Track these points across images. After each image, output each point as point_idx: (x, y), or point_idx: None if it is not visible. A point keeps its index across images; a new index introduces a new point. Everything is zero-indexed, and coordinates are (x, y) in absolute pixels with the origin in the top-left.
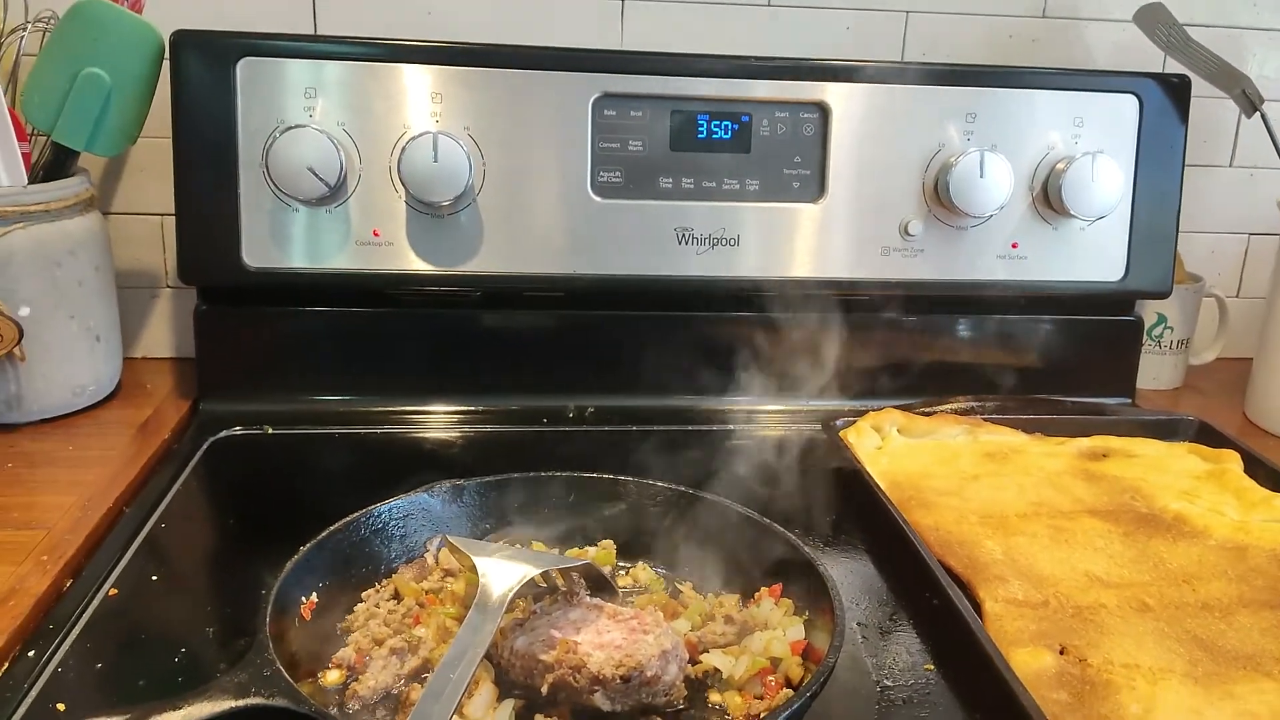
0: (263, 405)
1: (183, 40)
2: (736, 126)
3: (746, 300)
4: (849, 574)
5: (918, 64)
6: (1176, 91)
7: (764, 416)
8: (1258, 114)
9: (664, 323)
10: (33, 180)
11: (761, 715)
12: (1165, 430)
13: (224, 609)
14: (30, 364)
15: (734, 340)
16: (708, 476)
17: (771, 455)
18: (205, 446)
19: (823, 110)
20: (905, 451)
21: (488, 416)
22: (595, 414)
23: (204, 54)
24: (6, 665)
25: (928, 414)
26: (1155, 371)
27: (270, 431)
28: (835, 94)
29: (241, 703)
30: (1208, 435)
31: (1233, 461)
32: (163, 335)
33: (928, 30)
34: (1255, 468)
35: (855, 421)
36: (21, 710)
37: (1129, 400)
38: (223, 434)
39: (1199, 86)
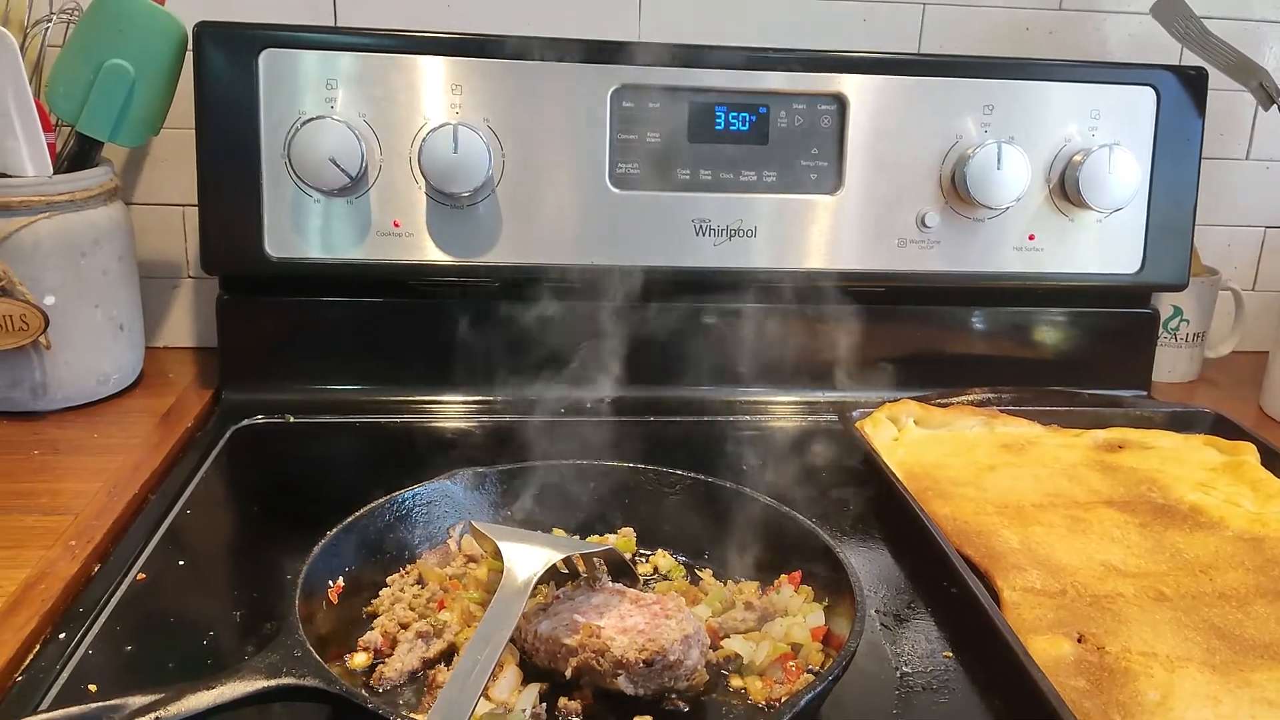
0: (284, 394)
1: (205, 32)
2: (754, 118)
3: (764, 291)
4: (866, 563)
5: (935, 56)
6: (1193, 84)
7: (781, 407)
8: (1275, 106)
9: (682, 313)
10: (58, 170)
11: (783, 700)
12: (1181, 423)
13: (250, 594)
14: (55, 352)
15: (751, 331)
16: (725, 466)
17: (788, 446)
18: (228, 435)
19: (840, 102)
20: (921, 443)
21: (506, 406)
22: (613, 404)
23: (226, 45)
24: (38, 647)
25: (944, 405)
26: (1171, 364)
27: (292, 420)
28: (852, 86)
29: (273, 683)
30: (1224, 427)
31: (1249, 454)
32: (183, 325)
33: (944, 21)
34: (1272, 460)
35: (872, 412)
36: (54, 691)
37: (1145, 393)
38: (245, 422)
39: (1216, 79)
